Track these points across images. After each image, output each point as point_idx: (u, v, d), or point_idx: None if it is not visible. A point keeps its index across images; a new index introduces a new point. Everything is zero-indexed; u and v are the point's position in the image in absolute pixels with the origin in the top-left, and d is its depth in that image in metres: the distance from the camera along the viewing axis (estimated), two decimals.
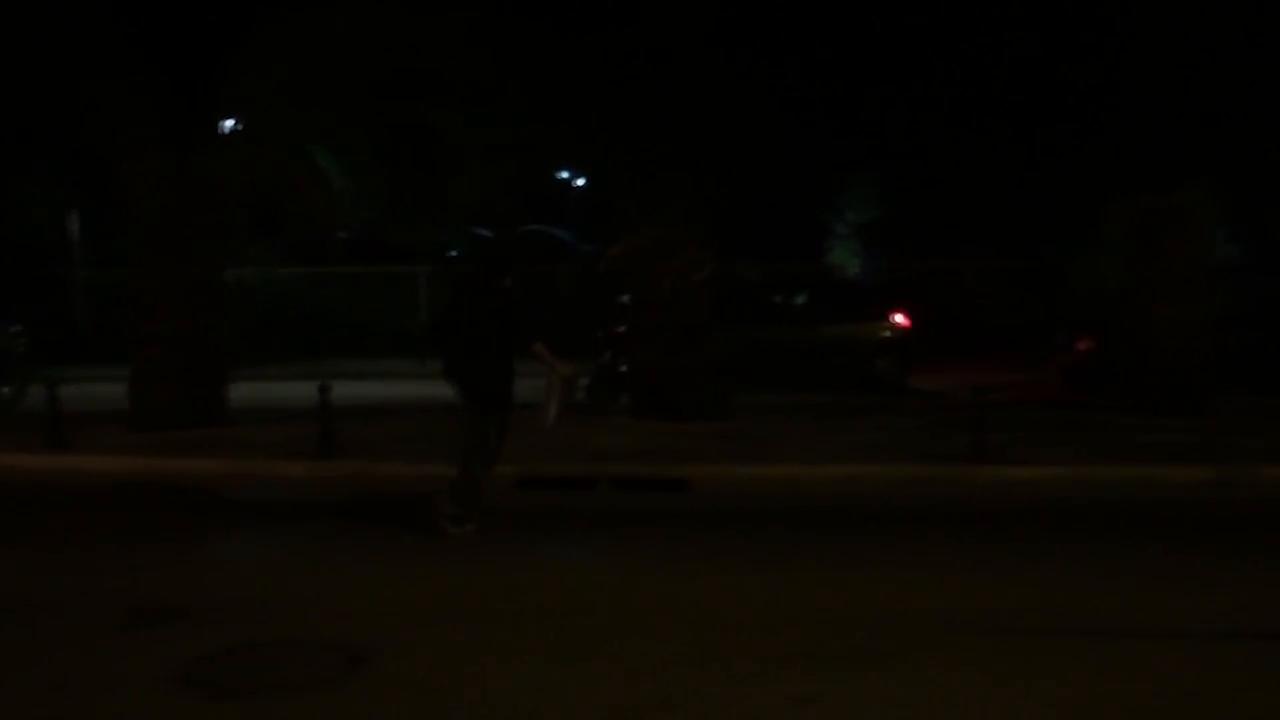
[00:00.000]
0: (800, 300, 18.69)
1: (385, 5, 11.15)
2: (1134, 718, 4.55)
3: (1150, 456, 10.13)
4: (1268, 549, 7.41)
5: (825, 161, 27.92)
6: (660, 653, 5.31)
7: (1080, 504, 8.97)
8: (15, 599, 6.42)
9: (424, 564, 7.18)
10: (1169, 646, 5.33)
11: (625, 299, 14.07)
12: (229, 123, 13.04)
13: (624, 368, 14.19)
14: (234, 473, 10.35)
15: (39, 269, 21.95)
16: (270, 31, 10.99)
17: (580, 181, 33.75)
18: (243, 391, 14.46)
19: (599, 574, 7.00)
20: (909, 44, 23.89)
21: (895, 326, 17.44)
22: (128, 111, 12.07)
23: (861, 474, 9.83)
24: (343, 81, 11.98)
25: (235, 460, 10.58)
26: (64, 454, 10.84)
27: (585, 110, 11.88)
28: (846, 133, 26.28)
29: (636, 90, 11.47)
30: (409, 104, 13.87)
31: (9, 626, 5.94)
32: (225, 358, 12.71)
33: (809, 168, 28.22)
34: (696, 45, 11.78)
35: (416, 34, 11.23)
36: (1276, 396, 14.01)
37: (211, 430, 12.11)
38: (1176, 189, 12.30)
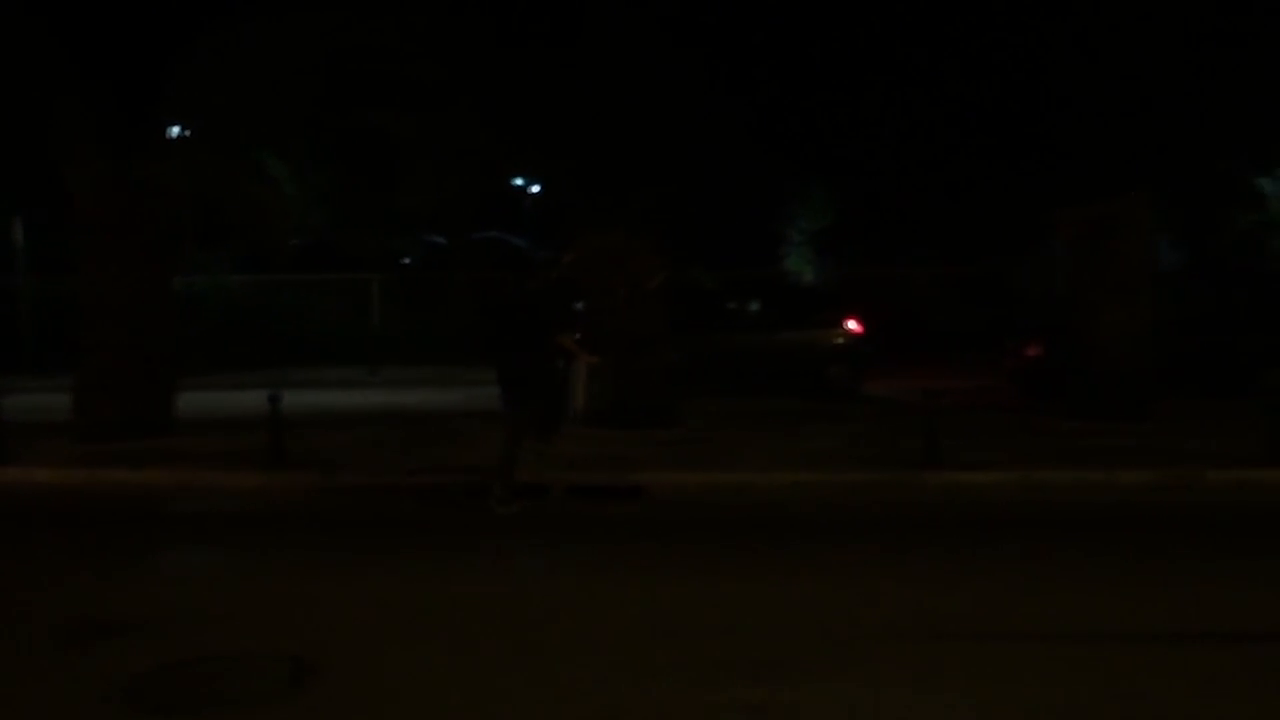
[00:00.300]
0: (754, 307, 18.79)
1: (333, 12, 11.08)
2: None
3: (1096, 460, 10.28)
4: (1210, 551, 7.54)
5: (778, 169, 28.18)
6: (610, 662, 5.30)
7: (1028, 508, 9.08)
8: None
9: (373, 576, 7.12)
10: (1114, 649, 5.41)
11: (580, 306, 14.07)
12: (175, 129, 12.90)
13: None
14: (182, 484, 10.21)
15: None
16: (216, 37, 10.88)
17: (535, 188, 33.72)
18: (193, 401, 14.29)
19: (550, 583, 6.97)
20: (860, 55, 24.17)
21: (848, 333, 17.58)
22: (70, 120, 11.90)
23: (814, 480, 9.89)
24: (290, 87, 11.88)
25: (183, 471, 10.44)
26: (8, 466, 10.65)
27: (536, 117, 11.88)
28: (798, 141, 26.55)
29: (587, 98, 11.49)
30: (358, 110, 13.78)
31: None
32: (173, 367, 12.54)
33: (762, 175, 28.45)
34: (647, 54, 11.82)
35: (366, 40, 11.17)
36: (1217, 400, 14.29)
37: (159, 441, 11.95)
38: (1120, 197, 12.50)
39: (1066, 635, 5.63)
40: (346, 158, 16.88)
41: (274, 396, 10.53)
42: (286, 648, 5.57)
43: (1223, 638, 5.58)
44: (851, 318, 17.81)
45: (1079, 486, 9.65)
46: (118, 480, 10.29)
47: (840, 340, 17.53)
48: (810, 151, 27.28)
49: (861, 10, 23.37)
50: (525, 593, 6.69)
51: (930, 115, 23.67)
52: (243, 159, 12.57)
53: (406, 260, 29.07)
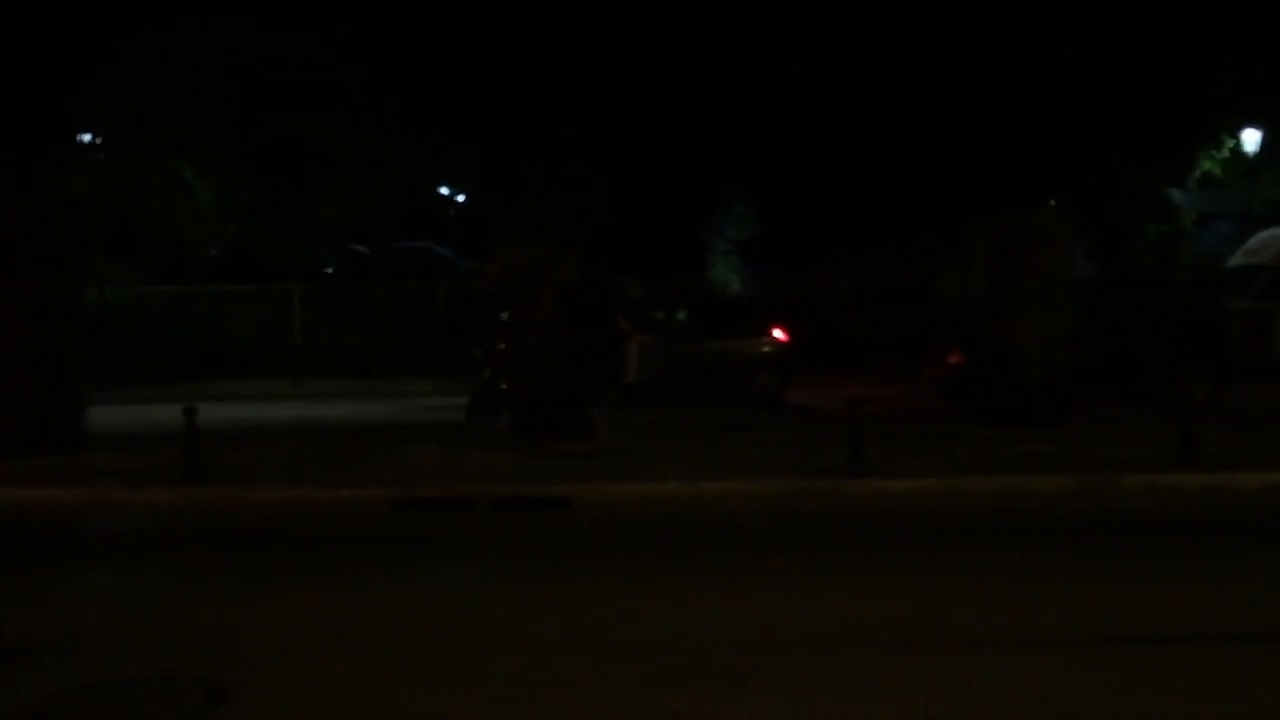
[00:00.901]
0: (680, 316, 18.83)
1: (249, 18, 10.85)
2: None
3: (1015, 467, 10.45)
4: (1126, 554, 7.69)
5: (703, 179, 28.35)
6: (533, 676, 5.24)
7: (952, 515, 9.18)
8: None
9: (291, 594, 6.95)
10: (1039, 654, 5.47)
11: (506, 316, 13.97)
12: (87, 137, 12.53)
13: (505, 386, 14.07)
14: (93, 501, 9.90)
15: None
16: (127, 43, 10.58)
17: (461, 197, 33.47)
18: (106, 416, 13.90)
19: (474, 598, 6.88)
20: (784, 68, 24.45)
21: (773, 342, 17.70)
22: None
23: (739, 489, 9.91)
24: (206, 94, 11.60)
25: (94, 489, 10.12)
26: None
27: (459, 126, 11.77)
28: (722, 151, 26.75)
29: (511, 108, 11.43)
30: (277, 117, 13.52)
31: None
32: (83, 380, 12.17)
33: (686, 185, 28.60)
34: (570, 64, 11.81)
35: (283, 47, 10.95)
36: (1132, 406, 14.66)
37: (69, 457, 11.58)
38: (1034, 208, 12.76)
39: (992, 641, 5.68)
40: (266, 166, 16.57)
41: (189, 410, 10.26)
42: (202, 669, 5.40)
43: (1146, 640, 5.67)
44: (777, 327, 17.94)
45: (1000, 493, 9.79)
46: (25, 498, 9.94)
47: (765, 349, 17.65)
48: (735, 161, 27.53)
49: (785, 26, 23.70)
50: (447, 608, 6.58)
51: (852, 127, 24.03)
52: (157, 167, 12.24)
53: (329, 270, 28.64)
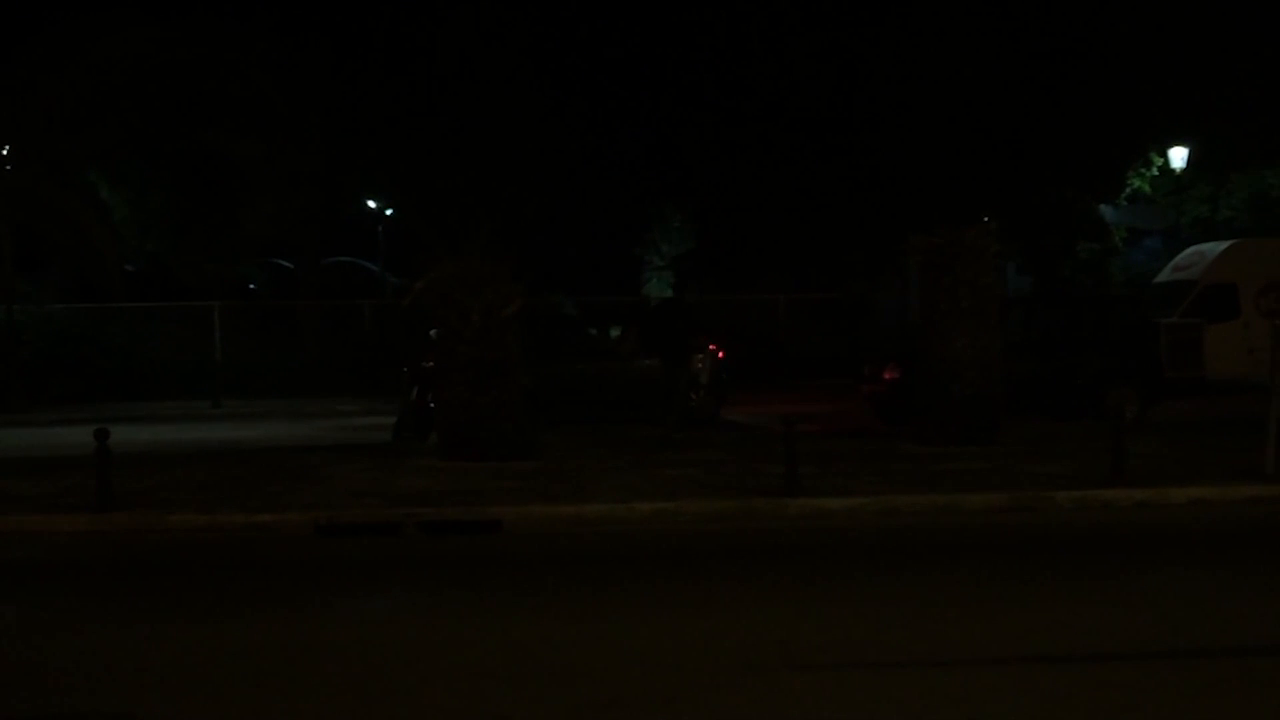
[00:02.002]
0: (615, 333, 18.65)
1: (161, 27, 10.44)
2: None
3: (949, 485, 10.41)
4: (1060, 571, 7.67)
5: (636, 194, 28.28)
6: (453, 706, 5.03)
7: (886, 533, 9.10)
8: None
9: (207, 624, 6.62)
10: (969, 673, 5.37)
11: (435, 334, 13.66)
12: None
13: (434, 404, 13.75)
14: None
15: None
16: (31, 53, 10.11)
17: (390, 211, 33.03)
18: (14, 439, 13.36)
19: (397, 627, 6.61)
20: (717, 82, 24.46)
21: (709, 358, 17.55)
22: None
23: (674, 509, 9.73)
24: (116, 105, 11.14)
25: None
26: None
27: (383, 140, 11.47)
28: (654, 166, 26.69)
29: (436, 120, 11.15)
30: (193, 130, 13.11)
31: None
32: None
33: (621, 200, 28.51)
34: (498, 76, 11.56)
35: (198, 57, 10.57)
36: (1064, 422, 14.75)
37: None
38: (967, 226, 12.79)
39: (923, 662, 5.57)
40: (184, 179, 16.11)
41: (100, 432, 9.81)
42: (111, 706, 5.14)
43: (1075, 658, 5.59)
44: (711, 344, 17.81)
45: (934, 510, 9.74)
46: None
47: (700, 366, 17.49)
48: (669, 176, 27.51)
49: (719, 42, 23.74)
50: (369, 639, 6.30)
51: (786, 141, 24.10)
52: (66, 180, 11.74)
53: (253, 286, 28.02)
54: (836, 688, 5.20)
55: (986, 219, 13.62)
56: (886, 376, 16.10)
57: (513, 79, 12.15)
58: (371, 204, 32.54)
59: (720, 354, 17.63)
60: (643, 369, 17.16)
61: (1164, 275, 19.72)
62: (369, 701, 5.15)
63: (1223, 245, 18.90)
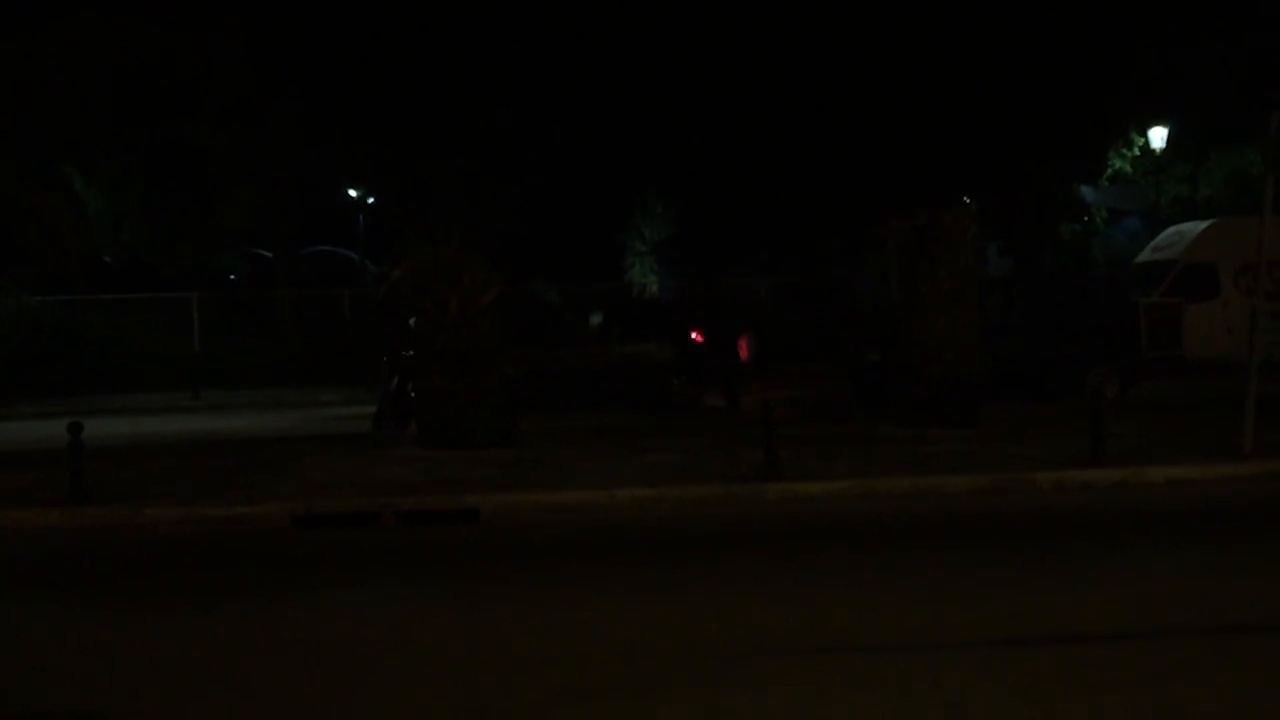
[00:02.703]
0: (596, 320, 18.58)
1: (131, 19, 10.28)
2: None
3: (929, 467, 10.41)
4: (1038, 553, 7.66)
5: (617, 179, 28.17)
6: (432, 697, 5.01)
7: (865, 517, 9.08)
8: None
9: (182, 619, 6.57)
10: (942, 657, 5.36)
11: (414, 322, 13.57)
12: None
13: (414, 393, 13.68)
14: None
15: None
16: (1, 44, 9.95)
17: (371, 200, 32.80)
18: None
19: (375, 618, 6.57)
20: (697, 68, 24.35)
21: (690, 344, 17.52)
22: None
23: (654, 496, 9.70)
24: (87, 97, 10.99)
25: None
26: None
27: (358, 130, 11.36)
28: (637, 151, 26.59)
29: (411, 109, 11.06)
30: (163, 122, 12.96)
31: None
32: None
33: (602, 186, 28.39)
34: (475, 65, 11.46)
35: (168, 50, 10.42)
36: (1044, 403, 14.76)
37: None
38: (946, 207, 12.76)
39: (900, 646, 5.56)
40: (159, 170, 15.94)
41: (74, 425, 9.72)
42: (83, 703, 5.09)
43: (1052, 640, 5.58)
44: (693, 329, 17.78)
45: (915, 493, 9.73)
46: None
47: (681, 351, 17.45)
48: (650, 161, 27.41)
49: (698, 29, 23.66)
50: (348, 628, 6.27)
51: (767, 125, 24.05)
52: (33, 174, 11.60)
53: (233, 276, 27.83)
54: (813, 673, 5.18)
55: (966, 200, 13.60)
56: (867, 360, 16.09)
57: (490, 67, 12.06)
58: (353, 193, 32.34)
59: (701, 340, 17.60)
60: (626, 355, 17.12)
61: (1144, 255, 19.70)
62: (343, 694, 5.11)
63: (1202, 225, 18.88)
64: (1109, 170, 26.70)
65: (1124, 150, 26.24)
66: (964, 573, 7.13)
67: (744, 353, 17.24)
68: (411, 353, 13.41)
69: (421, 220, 11.83)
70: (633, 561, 7.79)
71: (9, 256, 18.46)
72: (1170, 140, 24.59)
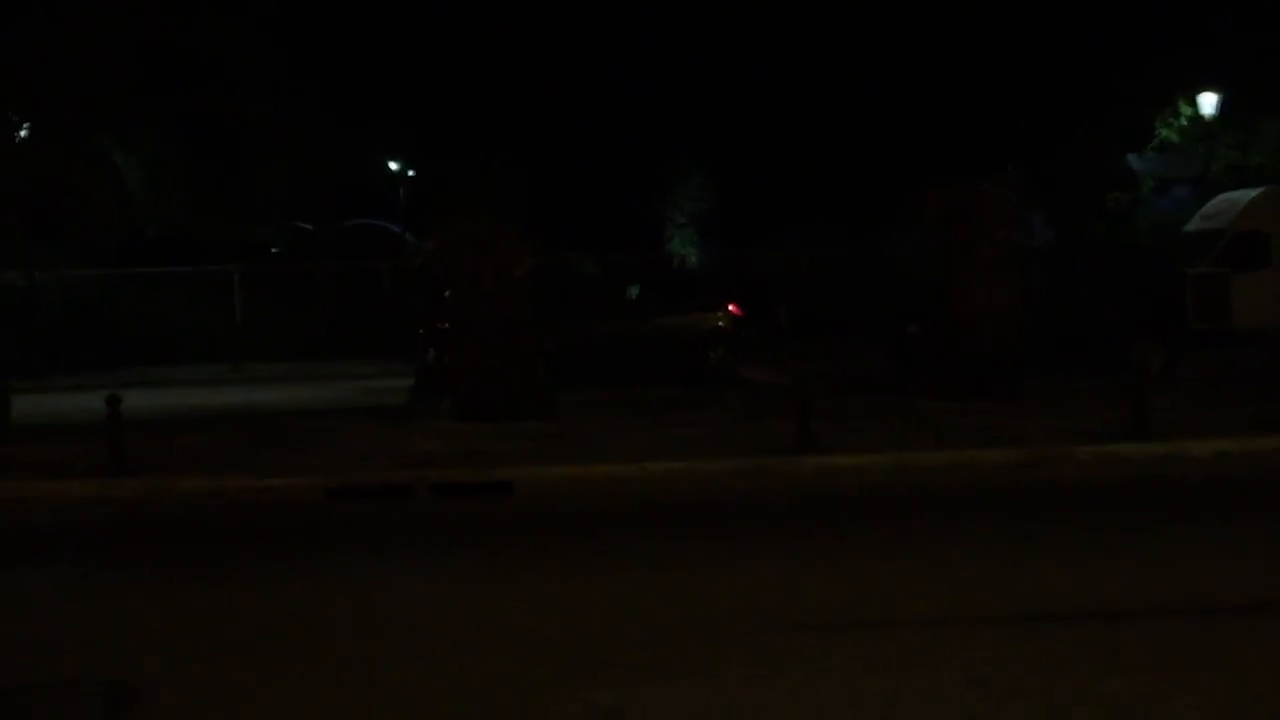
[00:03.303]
0: (634, 292, 18.47)
1: None
2: (935, 707, 4.45)
3: (965, 440, 10.25)
4: (1072, 527, 7.54)
5: (657, 150, 27.98)
6: (457, 670, 5.00)
7: (899, 491, 8.98)
8: None
9: (211, 591, 6.61)
10: (967, 633, 5.27)
11: (448, 294, 13.57)
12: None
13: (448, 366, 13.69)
14: (9, 496, 9.43)
15: None
16: (34, 15, 9.98)
17: (411, 173, 32.86)
18: (32, 404, 13.43)
19: (405, 589, 6.59)
20: (737, 37, 24.09)
21: (727, 317, 17.39)
22: None
23: (686, 469, 9.64)
24: (122, 72, 11.03)
25: (12, 482, 9.67)
26: None
27: (390, 102, 11.30)
28: (676, 122, 26.38)
29: (443, 81, 10.99)
30: (197, 92, 13.01)
31: None
32: (3, 369, 11.63)
33: (642, 157, 28.22)
34: (508, 33, 11.36)
35: (200, 22, 10.41)
36: (1086, 377, 14.48)
37: None
38: (984, 176, 12.51)
39: (923, 622, 5.48)
40: (198, 143, 16.06)
41: (113, 398, 9.82)
42: (114, 673, 5.11)
43: (1081, 617, 5.47)
44: (730, 301, 17.65)
45: (950, 467, 9.59)
46: None
47: (720, 324, 17.34)
48: (689, 132, 27.22)
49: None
50: (373, 602, 6.28)
51: (808, 93, 23.76)
52: (72, 148, 11.68)
53: (275, 250, 28.03)
54: (840, 648, 5.12)
55: (1011, 168, 13.32)
56: (907, 332, 15.86)
57: (525, 38, 11.95)
58: (394, 166, 32.42)
59: (738, 312, 17.46)
60: (663, 327, 17.01)
61: (1193, 224, 19.27)
62: (368, 665, 5.11)
63: (1253, 193, 18.43)
64: (1155, 139, 26.09)
65: (1170, 120, 25.62)
66: (996, 548, 7.02)
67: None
68: (446, 325, 13.41)
69: (455, 192, 11.77)
70: (662, 535, 7.74)
71: (50, 230, 18.71)
72: (1221, 106, 23.95)
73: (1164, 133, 25.95)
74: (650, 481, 9.44)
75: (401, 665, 5.10)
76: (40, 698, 4.90)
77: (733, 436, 10.91)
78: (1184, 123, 25.60)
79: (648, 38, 22.06)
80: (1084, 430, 10.50)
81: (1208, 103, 23.91)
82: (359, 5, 10.89)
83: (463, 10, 11.38)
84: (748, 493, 9.05)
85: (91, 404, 13.16)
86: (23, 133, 12.74)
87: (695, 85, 24.76)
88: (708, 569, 6.69)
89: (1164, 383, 13.32)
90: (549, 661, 5.08)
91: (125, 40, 11.01)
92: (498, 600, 6.16)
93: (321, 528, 8.42)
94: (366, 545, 7.83)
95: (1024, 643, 5.13)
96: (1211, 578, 6.15)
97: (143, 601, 6.42)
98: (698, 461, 9.81)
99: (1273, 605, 5.65)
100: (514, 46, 11.68)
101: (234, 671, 5.12)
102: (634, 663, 5.04)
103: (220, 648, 5.47)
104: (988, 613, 5.60)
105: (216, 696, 4.82)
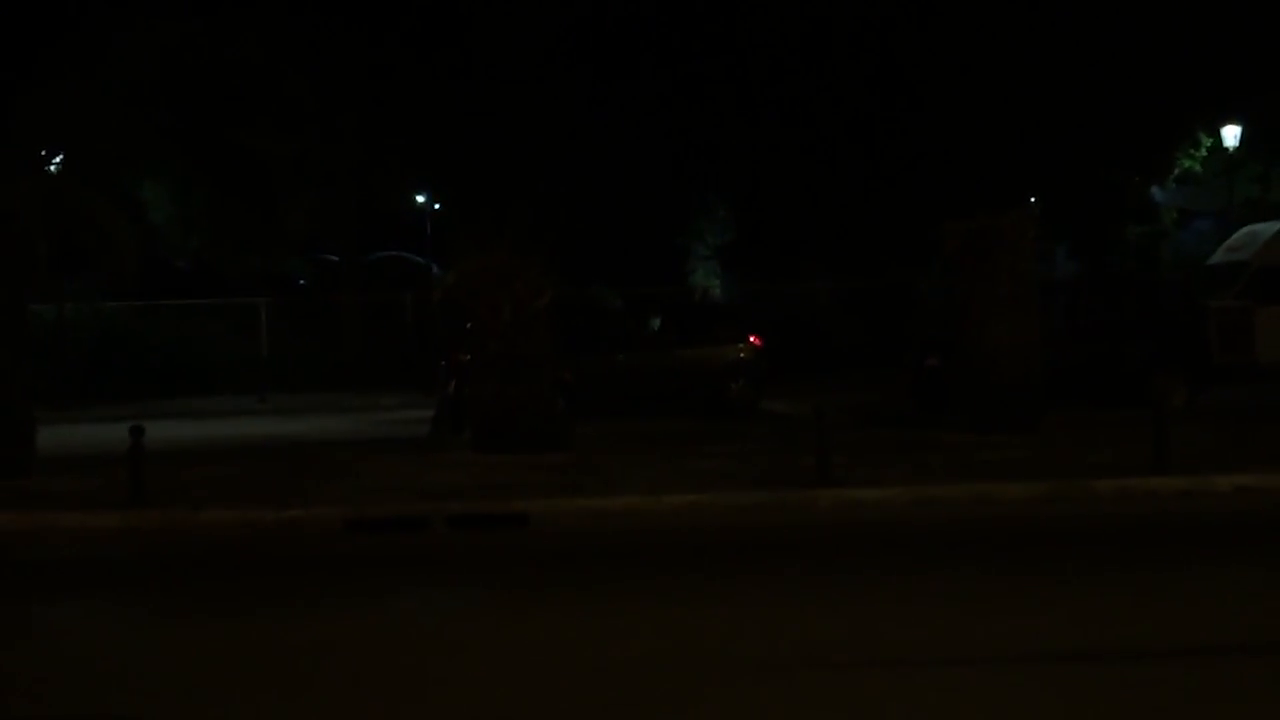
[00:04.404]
0: (655, 324, 18.53)
1: (193, 25, 10.48)
2: None
3: (986, 474, 10.20)
4: (1094, 564, 7.46)
5: (679, 183, 28.11)
6: (468, 708, 4.99)
7: (917, 525, 8.94)
8: None
9: (228, 622, 6.64)
10: (992, 671, 5.23)
11: (468, 326, 13.66)
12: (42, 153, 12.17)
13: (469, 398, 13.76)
14: (33, 527, 9.53)
15: None
16: (61, 51, 10.20)
17: (438, 206, 33.16)
18: (60, 435, 13.57)
19: (414, 625, 6.60)
20: (760, 70, 24.23)
21: (749, 349, 17.41)
22: None
23: (703, 502, 9.63)
24: (148, 105, 11.24)
25: (34, 514, 9.75)
26: None
27: (414, 135, 11.46)
28: (694, 156, 26.50)
29: (465, 117, 11.14)
30: (224, 128, 13.22)
31: None
32: (29, 400, 11.77)
33: (665, 190, 28.36)
34: (531, 69, 11.51)
35: (227, 57, 10.60)
36: (1108, 409, 14.39)
37: (14, 481, 11.15)
38: (1005, 210, 12.53)
39: (944, 661, 5.43)
40: (223, 178, 16.27)
41: (136, 429, 9.93)
42: (121, 707, 5.13)
43: (1104, 657, 5.42)
44: (752, 334, 17.67)
45: (969, 501, 9.54)
46: None
47: (741, 356, 17.36)
48: (712, 165, 27.33)
49: (760, 30, 23.55)
50: (382, 636, 6.28)
51: (830, 126, 23.83)
52: (100, 181, 11.91)
53: (302, 282, 28.33)
54: (853, 687, 5.08)
55: (1032, 201, 13.32)
56: (927, 364, 15.83)
57: (546, 72, 12.10)
58: (420, 198, 32.70)
59: (759, 344, 17.48)
60: (684, 359, 17.05)
61: (1217, 256, 19.10)
62: (381, 701, 5.12)
63: (1277, 225, 18.29)
64: (1175, 170, 26.00)
65: (1191, 151, 25.53)
66: (1016, 584, 6.96)
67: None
68: (467, 357, 13.50)
69: (475, 225, 11.88)
70: (676, 569, 7.73)
71: (82, 262, 19.00)
72: (1244, 139, 23.84)
73: (1185, 163, 25.86)
74: (668, 515, 9.44)
75: (410, 702, 5.10)
76: None
77: (751, 469, 10.90)
78: (1204, 153, 25.52)
79: (672, 70, 22.21)
80: (1104, 464, 10.44)
81: (1231, 135, 23.82)
82: (383, 39, 11.11)
83: (486, 45, 11.58)
84: (765, 526, 9.03)
85: (118, 435, 13.32)
86: (52, 167, 12.99)
87: (719, 118, 24.87)
88: (720, 603, 6.66)
89: (1187, 417, 13.21)
90: (555, 694, 5.08)
91: (156, 75, 11.23)
92: (509, 635, 6.14)
93: (338, 560, 8.45)
94: (381, 579, 7.84)
95: (1040, 681, 5.08)
96: (1235, 616, 6.06)
97: (157, 634, 6.45)
98: (715, 494, 9.81)
99: None
100: (537, 80, 11.86)
101: (245, 706, 5.13)
102: (643, 696, 5.02)
103: (233, 682, 5.48)
104: (1005, 650, 5.53)
105: None
